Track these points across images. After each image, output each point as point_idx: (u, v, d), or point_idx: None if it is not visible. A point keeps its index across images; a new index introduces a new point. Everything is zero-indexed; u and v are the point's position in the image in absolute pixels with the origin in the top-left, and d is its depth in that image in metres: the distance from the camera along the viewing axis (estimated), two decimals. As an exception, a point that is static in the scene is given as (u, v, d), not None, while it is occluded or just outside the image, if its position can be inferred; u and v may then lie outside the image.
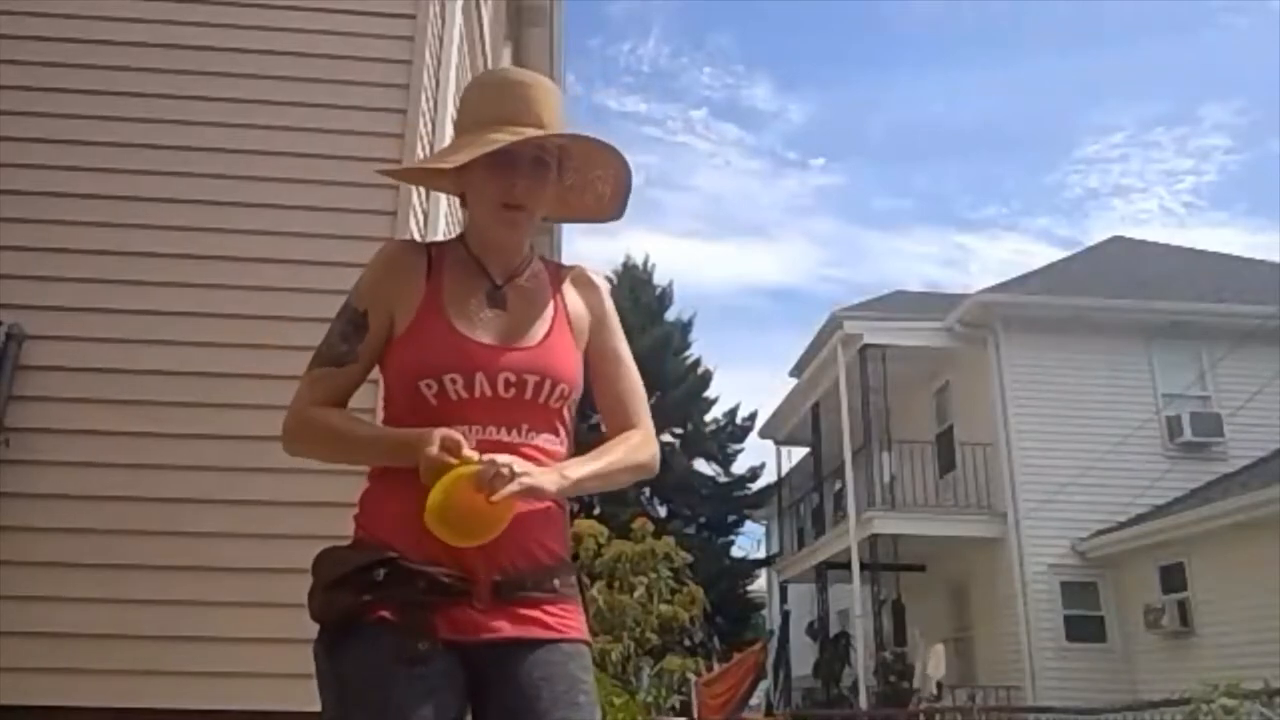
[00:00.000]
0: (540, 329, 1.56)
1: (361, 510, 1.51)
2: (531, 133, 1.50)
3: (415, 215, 4.39)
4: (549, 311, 1.59)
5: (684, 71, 52.55)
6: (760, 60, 56.86)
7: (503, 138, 1.48)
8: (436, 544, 1.37)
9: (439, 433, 1.37)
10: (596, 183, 1.66)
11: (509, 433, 1.48)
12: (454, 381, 1.47)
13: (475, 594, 1.40)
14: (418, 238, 4.47)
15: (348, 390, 1.57)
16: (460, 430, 1.41)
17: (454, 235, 1.69)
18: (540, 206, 1.59)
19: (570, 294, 1.64)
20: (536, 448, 1.50)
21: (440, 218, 4.72)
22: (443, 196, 4.77)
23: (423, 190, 4.58)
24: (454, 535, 1.35)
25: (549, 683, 1.42)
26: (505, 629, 1.41)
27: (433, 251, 1.61)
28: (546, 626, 1.45)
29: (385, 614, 1.36)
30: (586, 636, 1.54)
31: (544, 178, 1.57)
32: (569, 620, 1.49)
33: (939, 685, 12.16)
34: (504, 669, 1.41)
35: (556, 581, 1.48)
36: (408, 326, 1.53)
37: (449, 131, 4.80)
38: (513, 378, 1.49)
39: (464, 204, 1.64)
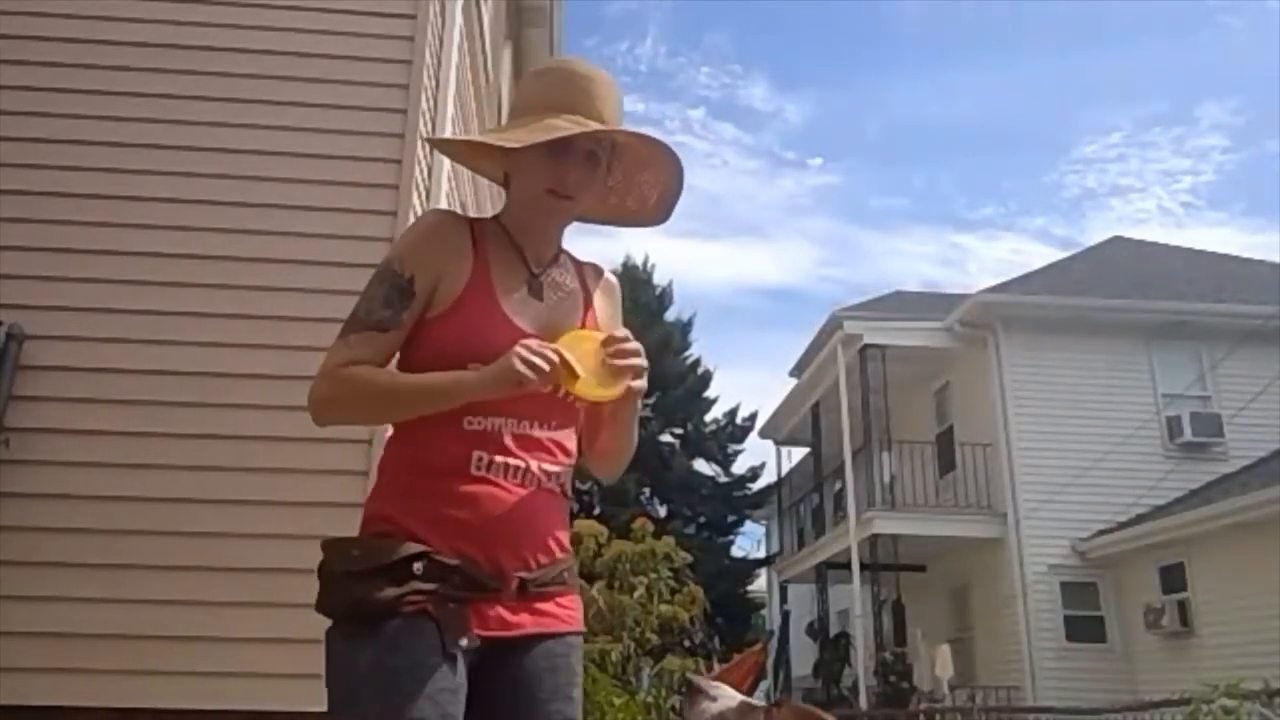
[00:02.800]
0: (574, 326, 1.55)
1: (385, 502, 1.46)
2: (594, 126, 1.49)
3: (415, 216, 4.39)
4: (580, 309, 1.60)
5: (681, 71, 52.59)
6: (757, 60, 56.90)
7: (564, 125, 1.46)
8: (467, 541, 1.40)
9: (524, 346, 1.38)
10: (643, 186, 1.66)
11: (541, 427, 1.50)
12: None
13: (504, 590, 1.43)
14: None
15: (388, 358, 1.49)
16: (496, 421, 1.45)
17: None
18: (585, 200, 1.58)
19: (599, 297, 1.65)
20: (560, 445, 1.53)
21: (440, 218, 4.72)
22: (443, 198, 4.77)
23: (423, 192, 4.58)
24: (600, 389, 1.44)
25: (552, 673, 1.46)
26: (527, 624, 1.44)
27: (475, 228, 1.57)
28: (558, 619, 1.49)
29: (428, 608, 1.36)
30: (583, 626, 1.59)
31: (596, 172, 1.57)
32: (575, 611, 1.53)
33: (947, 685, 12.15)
34: (507, 658, 1.43)
35: (566, 573, 1.53)
36: (454, 303, 1.48)
37: (449, 131, 4.80)
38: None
39: (504, 184, 1.62)
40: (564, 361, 1.40)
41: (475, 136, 1.59)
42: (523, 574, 1.44)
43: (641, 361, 1.47)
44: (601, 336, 1.49)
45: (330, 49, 4.47)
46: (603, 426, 1.63)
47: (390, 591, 1.34)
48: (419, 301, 1.48)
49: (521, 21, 8.84)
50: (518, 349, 1.37)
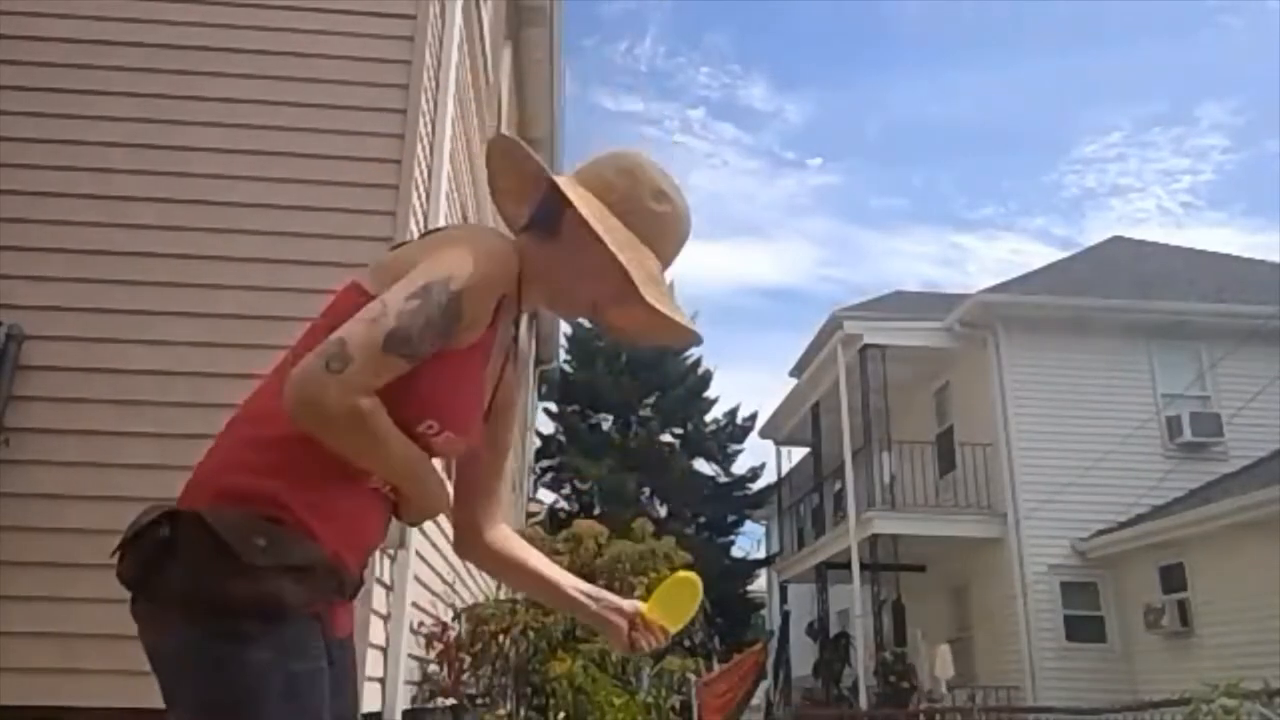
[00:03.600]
0: (488, 395, 1.51)
1: (279, 483, 1.30)
2: (688, 326, 1.48)
3: (415, 216, 4.39)
4: (495, 377, 1.52)
5: (680, 71, 52.64)
6: (757, 60, 56.99)
7: (675, 310, 1.44)
8: (348, 547, 1.36)
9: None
10: (639, 331, 1.59)
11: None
12: (446, 437, 1.40)
13: (351, 595, 1.43)
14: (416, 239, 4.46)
15: None
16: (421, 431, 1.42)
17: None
18: (598, 325, 1.60)
19: (510, 373, 1.56)
20: None
21: (440, 217, 4.72)
22: (443, 198, 4.77)
23: (423, 192, 4.58)
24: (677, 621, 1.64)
25: (353, 669, 1.48)
26: (349, 626, 1.45)
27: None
28: (353, 622, 1.51)
29: (320, 611, 1.32)
30: None
31: (620, 326, 1.57)
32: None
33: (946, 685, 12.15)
34: (331, 656, 1.39)
35: None
36: (452, 354, 1.35)
37: (448, 131, 4.80)
38: (463, 448, 1.48)
39: (535, 231, 1.49)
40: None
41: (591, 218, 1.37)
42: (358, 579, 1.44)
43: (646, 647, 1.62)
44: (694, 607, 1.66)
45: (329, 49, 4.47)
46: (483, 497, 1.61)
47: (299, 593, 1.26)
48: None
49: (521, 21, 8.84)
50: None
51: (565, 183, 1.42)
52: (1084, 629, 12.78)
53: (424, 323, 1.27)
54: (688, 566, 7.83)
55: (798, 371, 19.76)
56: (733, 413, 25.65)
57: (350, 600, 1.43)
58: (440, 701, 5.16)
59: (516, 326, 1.52)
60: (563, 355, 21.90)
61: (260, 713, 1.20)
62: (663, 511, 23.34)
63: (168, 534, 1.27)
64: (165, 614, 1.25)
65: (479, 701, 5.58)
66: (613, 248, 1.36)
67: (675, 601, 1.62)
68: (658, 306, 1.39)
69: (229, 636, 1.21)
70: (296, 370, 1.24)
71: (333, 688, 1.33)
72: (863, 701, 13.49)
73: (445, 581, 5.47)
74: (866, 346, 14.59)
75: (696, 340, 1.54)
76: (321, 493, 1.32)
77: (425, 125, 4.53)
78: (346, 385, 1.22)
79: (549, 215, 1.46)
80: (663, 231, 1.46)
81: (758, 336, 60.80)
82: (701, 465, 25.08)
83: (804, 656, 18.87)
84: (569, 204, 1.40)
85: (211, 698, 1.22)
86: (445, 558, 5.35)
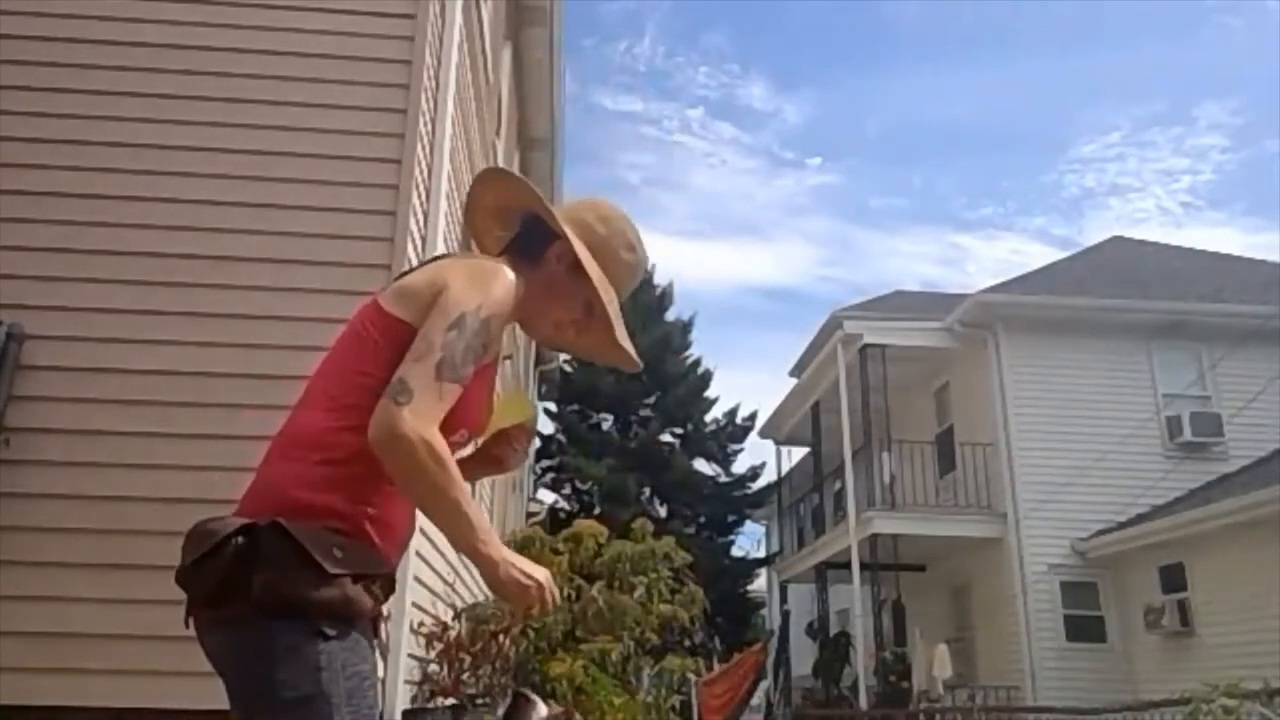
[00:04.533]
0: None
1: (338, 497, 1.44)
2: (635, 358, 1.74)
3: (415, 216, 4.39)
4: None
5: (679, 71, 52.62)
6: (756, 59, 57.00)
7: (628, 343, 1.71)
8: (395, 552, 1.52)
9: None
10: (591, 353, 1.82)
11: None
12: (464, 436, 1.58)
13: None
14: (417, 238, 4.47)
15: None
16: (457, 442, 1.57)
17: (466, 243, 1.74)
18: (546, 341, 1.82)
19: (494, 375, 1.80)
20: None
21: (440, 216, 4.72)
22: (443, 198, 4.77)
23: (423, 192, 4.58)
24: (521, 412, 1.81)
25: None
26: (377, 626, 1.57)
27: None
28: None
29: (375, 613, 1.47)
30: None
31: (576, 346, 1.80)
32: None
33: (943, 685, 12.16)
34: None
35: None
36: (479, 368, 1.53)
37: (448, 131, 4.80)
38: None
39: (527, 260, 1.65)
40: None
41: (583, 253, 1.64)
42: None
43: (521, 455, 1.83)
44: (533, 419, 1.82)
45: (330, 49, 4.47)
46: (481, 467, 1.83)
47: (367, 597, 1.42)
48: None
49: (521, 21, 8.84)
50: (546, 583, 1.48)
51: (560, 219, 1.65)
52: (1084, 629, 12.77)
53: (464, 348, 1.45)
54: (688, 566, 7.85)
55: (798, 371, 19.76)
56: (733, 413, 25.63)
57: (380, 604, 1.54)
58: (440, 701, 5.16)
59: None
60: (563, 355, 21.92)
61: (332, 707, 1.32)
62: (663, 511, 23.32)
63: (246, 544, 1.37)
64: (249, 617, 1.35)
65: (479, 701, 5.58)
66: (597, 285, 1.63)
67: (512, 409, 1.78)
68: (623, 342, 1.67)
69: (314, 636, 1.34)
70: (375, 413, 1.39)
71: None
72: (862, 701, 13.49)
73: (445, 581, 5.48)
74: (866, 346, 14.59)
75: (639, 369, 1.79)
76: (379, 507, 1.46)
77: (425, 125, 4.54)
78: (415, 413, 1.38)
79: (534, 243, 1.67)
80: (624, 276, 1.71)
81: (758, 336, 60.86)
82: (701, 465, 25.06)
83: (804, 656, 18.86)
84: (562, 238, 1.63)
85: (292, 691, 1.32)
86: (445, 557, 5.35)
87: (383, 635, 1.54)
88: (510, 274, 1.57)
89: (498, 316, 1.51)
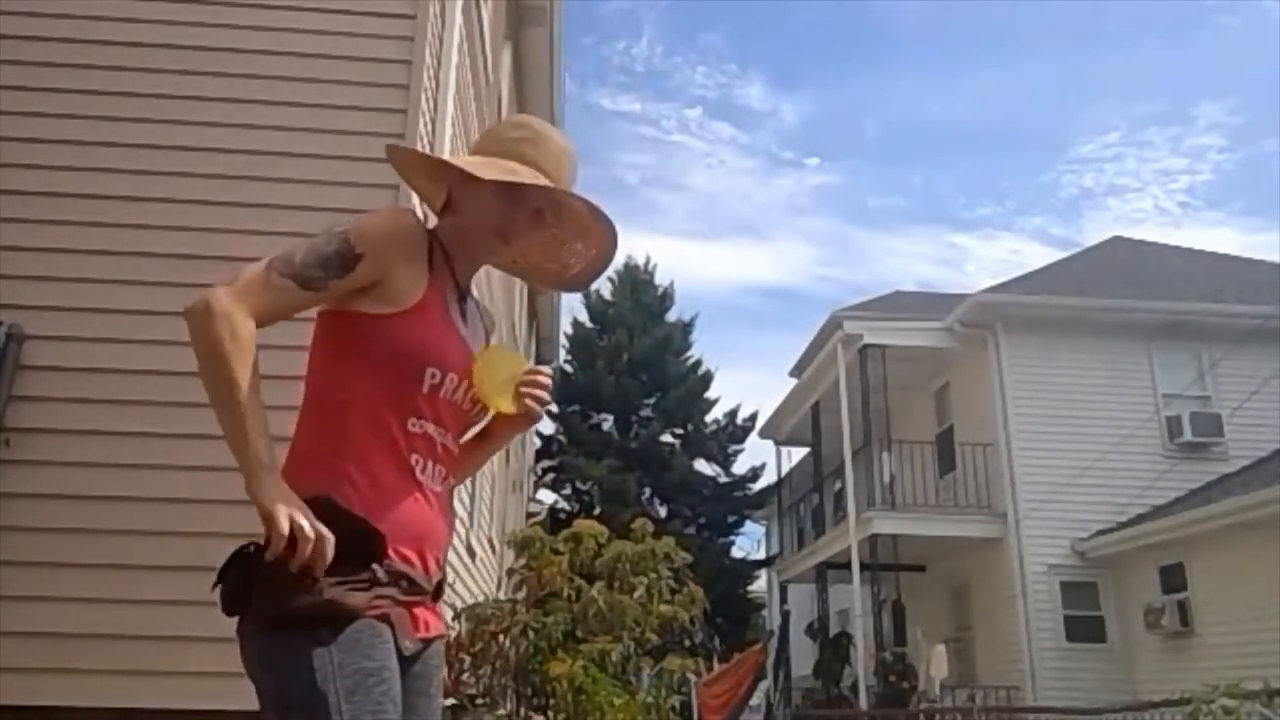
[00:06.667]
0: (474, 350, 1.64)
1: (360, 493, 1.43)
2: (548, 184, 1.55)
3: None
4: (483, 341, 1.67)
5: (677, 70, 52.69)
6: (754, 59, 57.08)
7: (528, 175, 1.53)
8: (407, 544, 1.45)
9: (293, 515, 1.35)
10: (570, 254, 1.72)
11: (455, 441, 1.59)
12: (451, 380, 1.52)
13: (430, 594, 1.51)
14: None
15: (286, 315, 1.49)
16: (430, 428, 1.51)
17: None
18: (518, 250, 1.68)
19: (493, 337, 1.74)
20: (454, 454, 1.61)
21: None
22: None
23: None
24: (508, 405, 1.58)
25: (438, 671, 1.57)
26: (435, 626, 1.53)
27: (432, 241, 1.59)
28: (443, 621, 1.60)
29: (388, 613, 1.40)
30: None
31: (539, 230, 1.65)
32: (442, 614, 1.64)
33: (940, 685, 12.15)
34: (416, 656, 1.48)
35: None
36: (415, 307, 1.50)
37: (449, 131, 4.80)
38: (475, 399, 1.58)
39: (444, 209, 1.65)
40: (480, 377, 1.54)
41: (447, 156, 1.62)
42: (438, 578, 1.53)
43: (547, 397, 1.63)
44: (526, 364, 1.62)
45: (329, 49, 4.47)
46: (487, 443, 1.76)
47: (360, 597, 1.37)
48: (347, 284, 1.47)
49: (521, 21, 8.84)
50: (296, 516, 1.34)
51: (434, 155, 1.64)
52: (1084, 629, 12.77)
53: (306, 249, 1.45)
54: (688, 566, 7.85)
55: (798, 371, 19.76)
56: (733, 413, 25.63)
57: (431, 599, 1.51)
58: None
59: (465, 299, 1.64)
60: (563, 355, 21.91)
61: (330, 709, 1.31)
62: (663, 511, 23.32)
63: (241, 563, 1.42)
64: (251, 632, 1.41)
65: (479, 701, 5.58)
66: (459, 163, 1.54)
67: (503, 359, 1.63)
68: (484, 174, 1.51)
69: (306, 642, 1.34)
70: None
71: (418, 686, 1.46)
72: (862, 701, 13.49)
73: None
74: (866, 346, 14.59)
75: (609, 227, 1.64)
76: (394, 512, 1.43)
77: (425, 125, 4.53)
78: (230, 290, 1.42)
79: (451, 191, 1.64)
80: (528, 153, 1.58)
81: (758, 336, 60.93)
82: (702, 465, 25.05)
83: (804, 656, 18.86)
84: (427, 160, 1.65)
85: (291, 698, 1.35)
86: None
87: (421, 627, 1.48)
88: (393, 212, 1.58)
89: (362, 233, 1.47)
